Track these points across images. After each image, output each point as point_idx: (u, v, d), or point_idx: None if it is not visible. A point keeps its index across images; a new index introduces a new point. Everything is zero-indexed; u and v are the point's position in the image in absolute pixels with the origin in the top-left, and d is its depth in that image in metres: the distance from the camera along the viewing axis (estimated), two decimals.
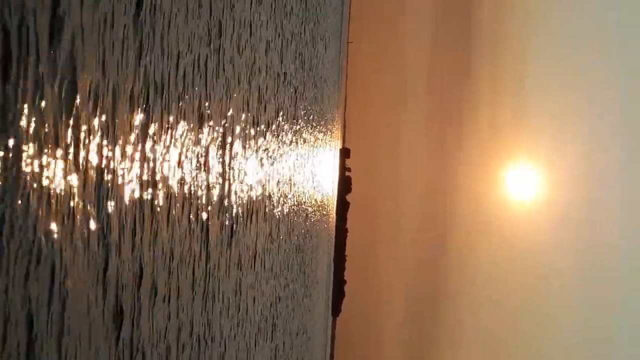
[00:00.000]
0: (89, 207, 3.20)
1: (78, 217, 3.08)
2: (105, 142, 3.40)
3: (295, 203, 16.33)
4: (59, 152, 2.87)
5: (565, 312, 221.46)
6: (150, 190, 4.20)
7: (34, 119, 2.63)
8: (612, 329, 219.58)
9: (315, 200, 27.37)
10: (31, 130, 2.62)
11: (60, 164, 2.89)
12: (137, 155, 3.95)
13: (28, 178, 2.62)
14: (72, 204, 3.02)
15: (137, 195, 3.95)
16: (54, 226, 2.82)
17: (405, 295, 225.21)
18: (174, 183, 4.82)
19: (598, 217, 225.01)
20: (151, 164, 4.23)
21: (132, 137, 3.86)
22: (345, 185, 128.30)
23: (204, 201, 5.88)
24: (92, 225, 3.24)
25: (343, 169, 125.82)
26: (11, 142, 2.47)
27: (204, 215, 5.89)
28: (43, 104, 2.71)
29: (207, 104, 5.91)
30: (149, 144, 4.19)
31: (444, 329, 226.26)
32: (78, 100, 3.04)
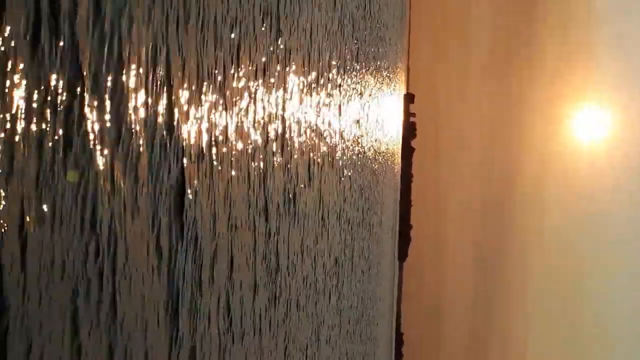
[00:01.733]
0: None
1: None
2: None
3: (362, 148, 16.50)
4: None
5: (636, 260, 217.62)
6: (221, 143, 4.46)
7: None
8: None
9: (381, 145, 27.48)
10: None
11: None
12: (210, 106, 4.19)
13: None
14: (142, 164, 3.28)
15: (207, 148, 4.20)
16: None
17: (471, 239, 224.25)
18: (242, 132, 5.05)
19: None
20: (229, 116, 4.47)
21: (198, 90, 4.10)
22: (410, 130, 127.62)
23: (275, 148, 6.11)
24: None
25: (407, 114, 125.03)
26: None
27: (278, 159, 6.14)
28: None
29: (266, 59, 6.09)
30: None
31: (511, 273, 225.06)
32: None
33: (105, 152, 2.71)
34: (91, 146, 2.60)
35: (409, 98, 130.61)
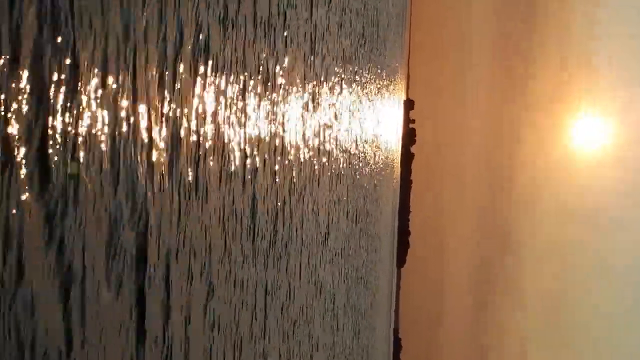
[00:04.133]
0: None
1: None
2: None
3: (360, 154, 16.45)
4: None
5: (634, 269, 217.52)
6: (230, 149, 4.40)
7: None
8: None
9: (380, 151, 27.44)
10: None
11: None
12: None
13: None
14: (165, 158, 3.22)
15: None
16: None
17: (470, 246, 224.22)
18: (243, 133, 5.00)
19: None
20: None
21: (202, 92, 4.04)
22: (409, 136, 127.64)
23: (275, 146, 6.06)
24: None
25: (407, 120, 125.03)
26: None
27: (276, 167, 6.08)
28: None
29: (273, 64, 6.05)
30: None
31: (508, 279, 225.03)
32: None
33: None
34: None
35: (409, 104, 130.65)
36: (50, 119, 2.39)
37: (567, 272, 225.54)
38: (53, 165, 2.40)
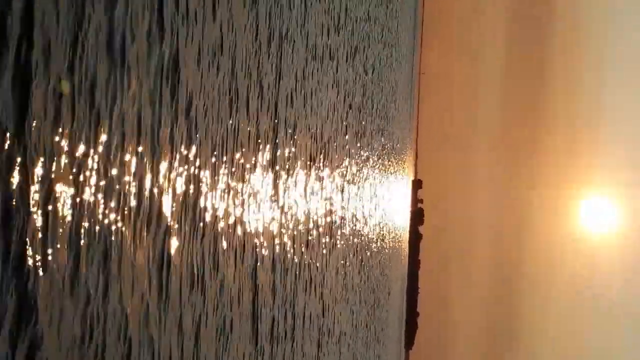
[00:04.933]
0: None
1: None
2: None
3: (368, 234, 16.26)
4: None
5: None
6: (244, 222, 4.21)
7: None
8: None
9: (388, 231, 27.22)
10: None
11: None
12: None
13: None
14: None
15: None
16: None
17: (478, 328, 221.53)
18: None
19: None
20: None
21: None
22: (417, 216, 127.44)
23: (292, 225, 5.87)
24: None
25: (415, 200, 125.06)
26: None
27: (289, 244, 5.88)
28: None
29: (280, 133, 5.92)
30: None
31: None
32: None
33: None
34: None
35: (417, 184, 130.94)
36: None
37: (578, 354, 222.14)
38: None
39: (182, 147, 3.40)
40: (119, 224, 2.72)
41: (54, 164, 2.26)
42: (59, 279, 2.30)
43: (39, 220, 2.17)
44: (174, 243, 3.30)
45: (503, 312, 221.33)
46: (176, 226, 3.33)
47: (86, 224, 2.47)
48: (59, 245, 2.29)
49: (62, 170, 2.31)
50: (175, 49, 3.27)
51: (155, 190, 3.06)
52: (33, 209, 2.14)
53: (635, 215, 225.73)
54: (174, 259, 3.30)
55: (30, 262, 2.13)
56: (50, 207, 2.24)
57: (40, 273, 2.18)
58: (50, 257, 2.24)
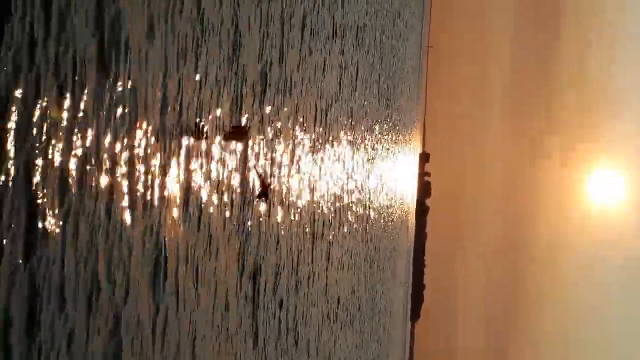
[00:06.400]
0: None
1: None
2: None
3: (374, 206, 16.44)
4: None
5: None
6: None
7: None
8: None
9: (395, 204, 27.37)
10: None
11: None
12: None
13: None
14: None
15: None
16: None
17: (484, 301, 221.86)
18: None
19: None
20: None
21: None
22: (425, 189, 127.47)
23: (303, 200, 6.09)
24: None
25: (423, 173, 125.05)
26: None
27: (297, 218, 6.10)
28: None
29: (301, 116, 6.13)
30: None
31: (523, 339, 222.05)
32: None
33: None
34: None
35: (425, 157, 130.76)
36: None
37: (587, 334, 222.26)
38: None
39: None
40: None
41: None
42: None
43: None
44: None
45: (511, 285, 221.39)
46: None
47: None
48: None
49: None
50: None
51: None
52: None
53: None
54: None
55: None
56: None
57: None
58: None
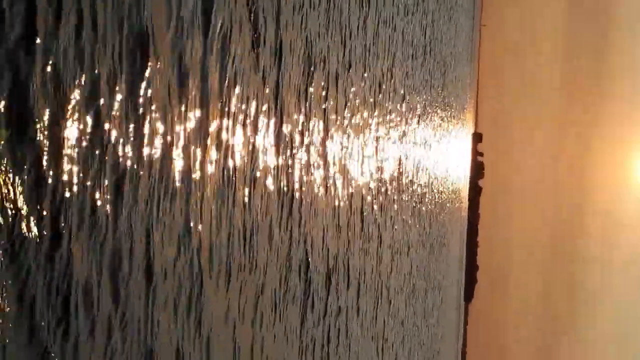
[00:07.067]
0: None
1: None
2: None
3: (428, 188, 16.55)
4: None
5: None
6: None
7: None
8: None
9: (447, 184, 27.39)
10: None
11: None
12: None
13: None
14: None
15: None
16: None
17: (538, 282, 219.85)
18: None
19: None
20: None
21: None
22: (477, 170, 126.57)
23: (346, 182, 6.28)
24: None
25: (475, 153, 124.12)
26: None
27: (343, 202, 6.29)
28: None
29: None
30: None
31: (578, 318, 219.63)
32: None
33: None
34: None
35: (477, 137, 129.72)
36: None
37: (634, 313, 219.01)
38: None
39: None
40: None
41: None
42: None
43: None
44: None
45: (563, 266, 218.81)
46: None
47: None
48: None
49: None
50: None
51: None
52: None
53: None
54: None
55: None
56: None
57: None
58: None
